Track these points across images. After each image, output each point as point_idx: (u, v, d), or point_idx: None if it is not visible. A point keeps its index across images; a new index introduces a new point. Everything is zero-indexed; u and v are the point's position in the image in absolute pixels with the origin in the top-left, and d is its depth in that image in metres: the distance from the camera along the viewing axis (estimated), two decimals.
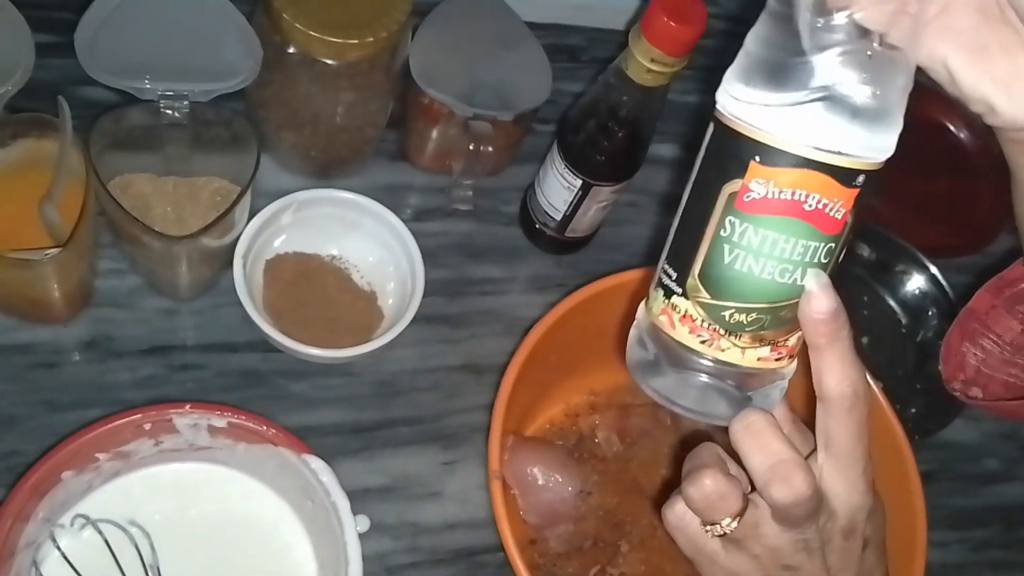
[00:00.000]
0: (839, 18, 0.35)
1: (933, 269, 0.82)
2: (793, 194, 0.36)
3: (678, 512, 0.43)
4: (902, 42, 0.35)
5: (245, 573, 0.57)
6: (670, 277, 0.39)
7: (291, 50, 0.61)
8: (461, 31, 0.71)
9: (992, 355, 0.69)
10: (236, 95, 0.62)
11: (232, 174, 0.65)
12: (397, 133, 0.75)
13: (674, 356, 0.39)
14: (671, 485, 0.65)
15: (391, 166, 0.76)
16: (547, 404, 0.68)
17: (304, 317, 0.66)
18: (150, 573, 0.54)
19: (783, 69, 0.35)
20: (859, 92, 0.35)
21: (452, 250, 0.74)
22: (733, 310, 0.37)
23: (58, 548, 0.54)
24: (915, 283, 0.83)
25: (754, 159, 0.36)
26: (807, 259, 0.37)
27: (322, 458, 0.57)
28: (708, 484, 0.40)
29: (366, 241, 0.69)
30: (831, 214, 0.36)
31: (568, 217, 0.71)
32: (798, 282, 0.37)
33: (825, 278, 0.37)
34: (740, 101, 0.37)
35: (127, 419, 0.53)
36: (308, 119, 0.66)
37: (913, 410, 0.77)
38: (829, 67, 0.35)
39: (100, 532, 0.54)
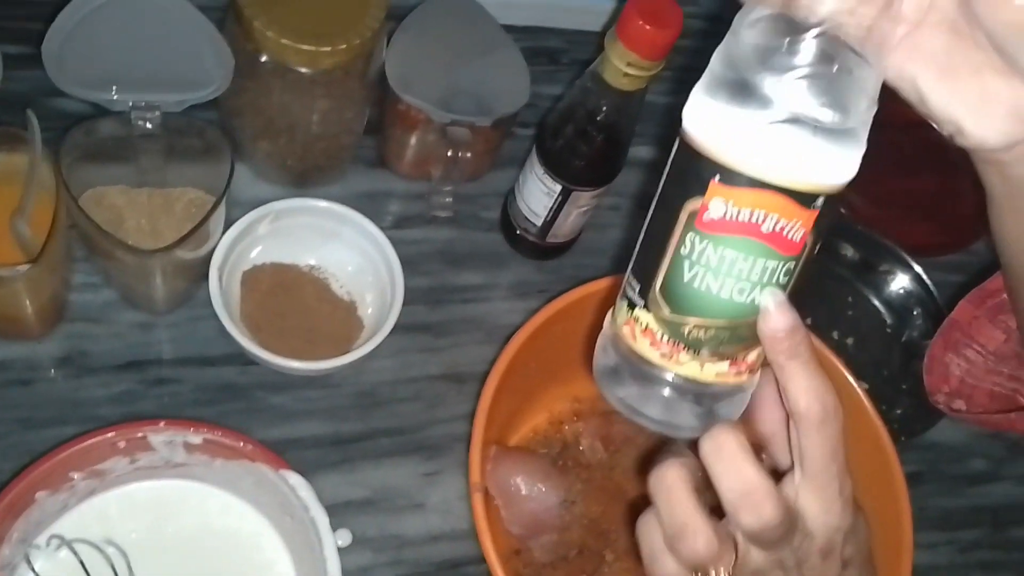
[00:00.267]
0: (807, 39, 0.34)
1: (917, 268, 0.82)
2: (751, 215, 0.35)
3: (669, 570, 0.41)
4: (871, 58, 0.35)
5: None
6: (633, 289, 0.39)
7: (263, 59, 0.60)
8: (437, 36, 0.70)
9: (976, 365, 0.69)
10: (210, 104, 0.61)
11: (207, 184, 0.64)
12: (375, 140, 0.74)
13: (636, 368, 0.39)
14: None
15: (370, 173, 0.75)
16: (531, 412, 0.68)
17: (283, 328, 0.65)
18: None
19: (744, 90, 0.35)
20: (821, 114, 0.35)
21: (433, 257, 0.74)
22: (692, 326, 0.37)
23: (32, 570, 0.53)
24: (899, 283, 0.82)
25: (714, 178, 0.35)
26: (765, 279, 0.36)
27: (302, 471, 0.56)
28: (701, 549, 0.38)
29: (345, 250, 0.68)
30: (790, 236, 0.36)
31: (549, 222, 0.70)
32: (756, 301, 0.37)
33: (782, 296, 0.37)
34: (702, 120, 0.36)
35: (100, 438, 0.52)
36: (283, 128, 0.66)
37: (899, 411, 0.77)
38: (790, 90, 0.34)
39: (75, 553, 0.53)
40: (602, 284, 0.63)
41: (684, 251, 0.36)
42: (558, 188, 0.67)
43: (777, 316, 0.37)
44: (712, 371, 0.38)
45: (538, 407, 0.68)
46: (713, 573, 0.39)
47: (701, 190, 0.36)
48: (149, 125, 0.59)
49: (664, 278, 0.37)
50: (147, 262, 0.59)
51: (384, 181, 0.75)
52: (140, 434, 0.53)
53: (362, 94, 0.66)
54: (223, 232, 0.63)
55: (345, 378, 0.67)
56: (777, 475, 0.40)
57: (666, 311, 0.37)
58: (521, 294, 0.74)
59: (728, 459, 0.38)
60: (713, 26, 0.93)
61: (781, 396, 0.39)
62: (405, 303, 0.65)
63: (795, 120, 0.34)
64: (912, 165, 0.93)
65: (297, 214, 0.66)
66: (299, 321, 0.66)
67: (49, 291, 0.60)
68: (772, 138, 0.35)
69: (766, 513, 0.37)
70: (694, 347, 0.37)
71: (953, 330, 0.70)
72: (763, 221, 0.35)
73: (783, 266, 0.36)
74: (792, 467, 0.40)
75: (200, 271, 0.63)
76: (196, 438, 0.54)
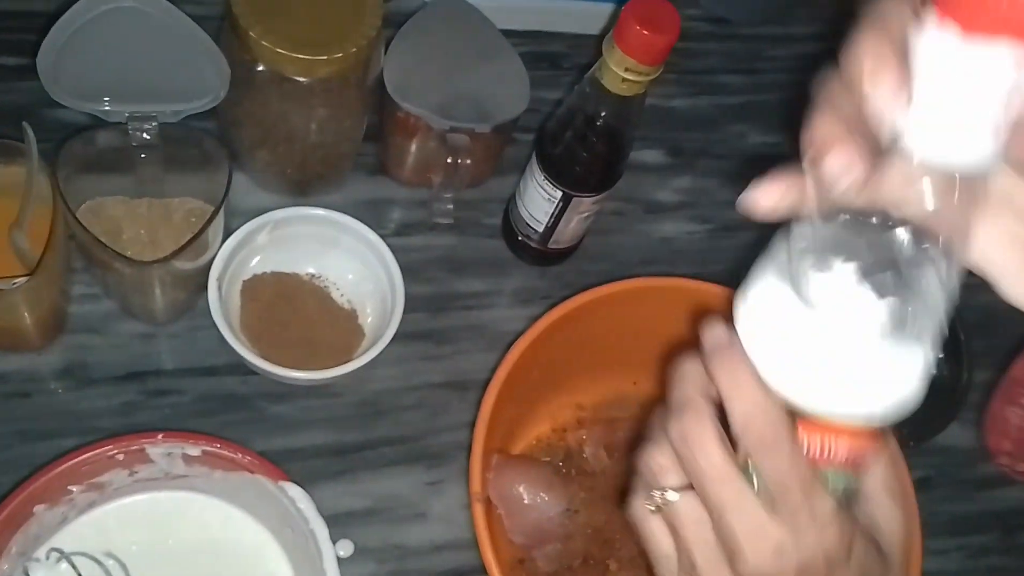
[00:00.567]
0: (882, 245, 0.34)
1: None
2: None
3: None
4: (951, 250, 0.34)
5: None
6: None
7: (260, 68, 0.60)
8: (436, 42, 0.69)
9: None
10: (208, 114, 0.61)
11: (206, 194, 0.64)
12: (376, 147, 0.74)
13: None
14: None
15: (371, 181, 0.75)
16: (534, 420, 0.67)
17: (283, 338, 0.65)
18: None
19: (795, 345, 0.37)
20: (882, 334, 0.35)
21: (434, 264, 0.73)
22: None
23: None
24: None
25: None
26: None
27: (304, 482, 0.56)
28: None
29: (345, 258, 0.68)
30: (853, 454, 0.38)
31: (550, 229, 0.70)
32: None
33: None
34: (758, 340, 0.39)
35: (98, 451, 0.52)
36: (282, 136, 0.65)
37: (907, 416, 0.76)
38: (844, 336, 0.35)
39: (74, 566, 0.53)
40: (604, 291, 0.62)
41: None
42: (559, 194, 0.66)
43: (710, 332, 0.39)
44: None
45: (541, 415, 0.67)
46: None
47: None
48: (146, 136, 0.59)
49: None
50: (145, 273, 0.59)
51: (385, 188, 0.75)
52: (138, 447, 0.53)
53: (360, 102, 0.66)
54: (222, 242, 0.63)
55: (346, 387, 0.66)
56: None
57: None
58: (524, 301, 0.74)
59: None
60: (718, 28, 0.93)
61: None
62: (407, 311, 0.65)
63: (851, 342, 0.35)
64: None
65: (296, 223, 0.66)
66: (300, 330, 0.66)
67: (48, 303, 0.60)
68: (830, 386, 0.36)
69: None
70: None
71: (1012, 387, 0.72)
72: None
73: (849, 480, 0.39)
74: None
75: (200, 281, 0.62)
76: (195, 450, 0.54)
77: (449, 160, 0.67)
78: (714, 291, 0.64)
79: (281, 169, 0.68)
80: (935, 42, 0.30)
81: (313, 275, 0.68)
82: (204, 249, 0.61)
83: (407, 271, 0.66)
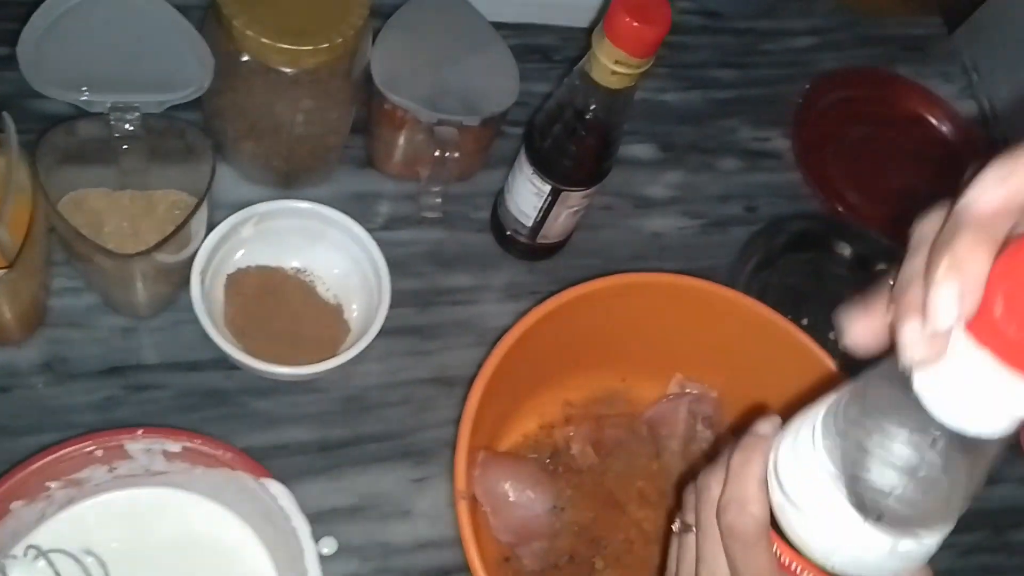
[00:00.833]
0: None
1: None
2: None
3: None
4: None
5: None
6: None
7: (245, 58, 0.59)
8: (424, 34, 0.69)
9: None
10: (193, 105, 0.60)
11: (190, 186, 0.63)
12: (363, 140, 0.73)
13: None
14: (646, 496, 0.64)
15: (358, 173, 0.74)
16: (521, 417, 0.66)
17: (268, 333, 0.64)
18: None
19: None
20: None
21: (422, 259, 0.72)
22: None
23: None
24: None
25: None
26: None
27: (287, 478, 0.55)
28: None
29: (331, 252, 0.67)
30: None
31: (539, 223, 0.69)
32: None
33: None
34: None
35: (75, 447, 0.51)
36: (267, 128, 0.64)
37: None
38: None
39: (51, 564, 0.52)
40: (592, 286, 0.61)
41: None
42: (547, 188, 0.65)
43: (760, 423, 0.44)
44: None
45: (529, 411, 0.67)
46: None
47: None
48: (129, 126, 0.58)
49: None
50: (127, 266, 0.58)
51: (373, 182, 0.74)
52: (117, 443, 0.52)
53: (347, 94, 0.65)
54: (206, 235, 0.62)
55: (332, 383, 0.66)
56: None
57: None
58: (512, 296, 0.73)
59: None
60: (712, 22, 0.92)
61: None
62: (394, 305, 0.64)
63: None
64: (910, 162, 0.91)
65: (281, 216, 0.65)
66: (285, 325, 0.65)
67: (28, 296, 0.59)
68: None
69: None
70: None
71: None
72: None
73: None
74: None
75: (183, 275, 0.61)
76: (175, 446, 0.53)
77: (437, 153, 0.66)
78: (704, 287, 0.63)
79: (267, 161, 0.67)
80: (969, 352, 0.32)
81: (298, 269, 0.67)
82: (187, 242, 0.60)
83: (394, 265, 0.66)
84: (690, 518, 0.46)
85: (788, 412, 0.65)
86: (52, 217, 0.56)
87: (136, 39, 0.57)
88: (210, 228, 0.62)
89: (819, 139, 0.88)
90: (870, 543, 0.38)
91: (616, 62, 0.56)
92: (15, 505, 0.51)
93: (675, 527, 0.48)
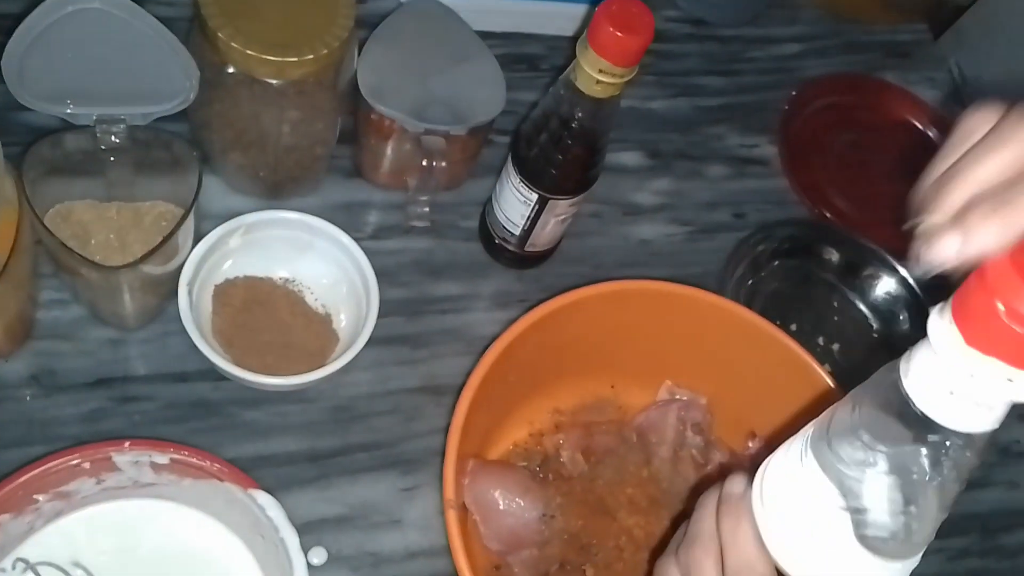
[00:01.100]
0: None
1: (903, 271, 0.81)
2: None
3: None
4: None
5: None
6: None
7: (230, 70, 0.59)
8: (411, 44, 0.69)
9: None
10: (179, 117, 0.60)
11: (177, 197, 0.63)
12: (351, 150, 0.73)
13: None
14: (636, 503, 0.64)
15: (346, 183, 0.74)
16: (511, 425, 0.66)
17: (256, 343, 0.64)
18: None
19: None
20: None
21: (411, 268, 0.72)
22: None
23: None
24: (885, 286, 0.81)
25: None
26: None
27: (276, 488, 0.55)
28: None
29: (319, 262, 0.67)
30: None
31: (527, 231, 0.69)
32: None
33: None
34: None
35: (62, 460, 0.51)
36: (254, 139, 0.65)
37: None
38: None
39: None
40: (583, 293, 0.62)
41: None
42: (534, 197, 0.65)
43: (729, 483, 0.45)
44: None
45: (518, 420, 0.67)
46: None
47: None
48: (115, 138, 0.58)
49: None
50: (114, 278, 0.58)
51: (361, 191, 0.74)
52: (104, 455, 0.52)
53: (333, 104, 0.65)
54: (193, 246, 0.62)
55: (321, 392, 0.66)
56: None
57: None
58: (501, 304, 0.73)
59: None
60: (696, 29, 0.93)
61: None
62: (383, 315, 0.64)
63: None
64: (897, 168, 0.92)
65: (269, 226, 0.65)
66: (273, 335, 0.65)
67: (15, 308, 0.59)
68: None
69: None
70: None
71: None
72: None
73: None
74: None
75: (170, 286, 0.61)
76: (163, 458, 0.53)
77: (424, 163, 0.66)
78: (693, 294, 0.64)
79: (254, 172, 0.68)
80: (945, 334, 0.34)
81: (287, 279, 0.67)
82: (174, 253, 0.60)
83: (383, 275, 0.66)
84: None
85: (775, 421, 0.65)
86: (39, 230, 0.56)
87: (121, 51, 0.57)
88: (197, 239, 0.62)
89: (806, 145, 0.88)
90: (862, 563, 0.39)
91: (600, 71, 0.56)
92: (3, 518, 0.51)
93: None
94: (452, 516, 0.53)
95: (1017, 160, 0.35)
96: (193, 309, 0.61)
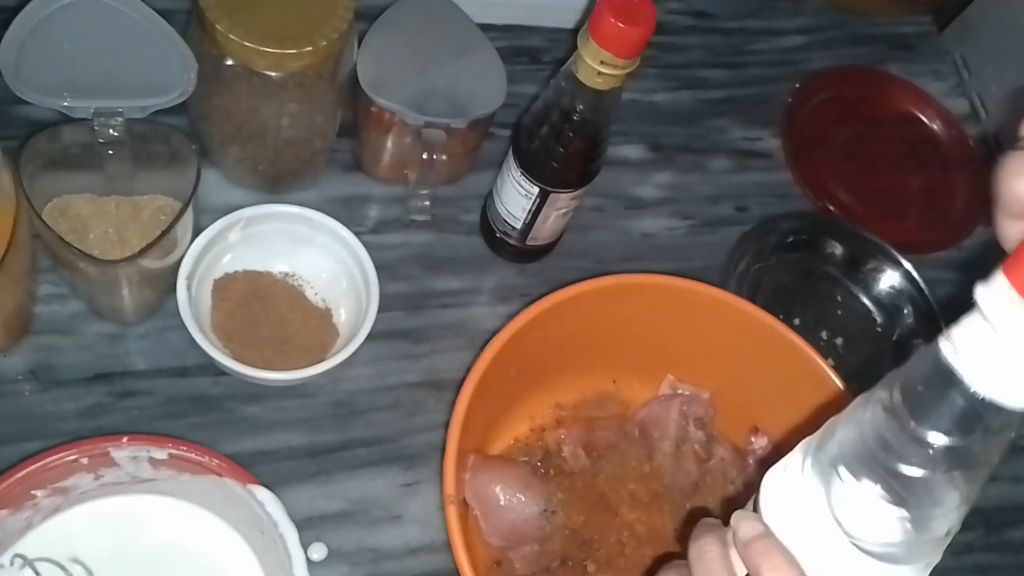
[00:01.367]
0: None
1: (907, 265, 0.80)
2: None
3: None
4: None
5: None
6: None
7: (229, 62, 0.59)
8: (411, 37, 0.68)
9: None
10: (178, 110, 0.60)
11: (176, 191, 0.62)
12: (351, 143, 0.73)
13: None
14: (638, 498, 0.63)
15: (346, 177, 0.74)
16: (512, 420, 0.66)
17: (256, 338, 0.64)
18: None
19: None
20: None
21: (411, 262, 0.72)
22: None
23: None
24: (889, 280, 0.81)
25: None
26: None
27: (277, 484, 0.55)
28: None
29: (319, 256, 0.66)
30: None
31: (528, 225, 0.69)
32: None
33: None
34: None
35: (60, 455, 0.51)
36: (253, 132, 0.64)
37: None
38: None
39: (37, 573, 0.52)
40: (584, 287, 0.61)
41: None
42: (535, 190, 0.65)
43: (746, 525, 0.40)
44: None
45: (520, 415, 0.66)
46: None
47: None
48: (113, 132, 0.58)
49: None
50: (112, 272, 0.57)
51: (361, 185, 0.74)
52: (102, 451, 0.51)
53: (333, 97, 0.64)
54: (192, 240, 0.61)
55: (321, 387, 0.65)
56: None
57: None
58: (502, 298, 0.73)
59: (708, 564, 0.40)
60: (699, 22, 0.92)
61: None
62: (383, 309, 0.64)
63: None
64: (901, 161, 0.91)
65: (269, 220, 0.65)
66: (272, 330, 0.64)
67: (13, 303, 0.58)
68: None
69: None
70: None
71: None
72: None
73: None
74: None
75: (170, 280, 0.61)
76: (161, 453, 0.53)
77: (425, 156, 0.66)
78: (695, 288, 0.63)
79: (253, 165, 0.67)
80: (1000, 293, 0.31)
81: (286, 273, 0.67)
82: (173, 247, 0.60)
83: (383, 269, 0.65)
84: None
85: (778, 416, 0.65)
86: (36, 224, 0.56)
87: (119, 44, 0.57)
88: (196, 233, 0.62)
89: (809, 138, 0.88)
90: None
91: (602, 63, 0.55)
92: (1, 514, 0.51)
93: None
94: (452, 511, 0.53)
95: None
96: (192, 303, 0.60)
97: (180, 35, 0.58)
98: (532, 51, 0.84)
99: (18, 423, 0.59)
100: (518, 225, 0.69)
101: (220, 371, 0.62)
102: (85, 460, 0.52)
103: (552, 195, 0.65)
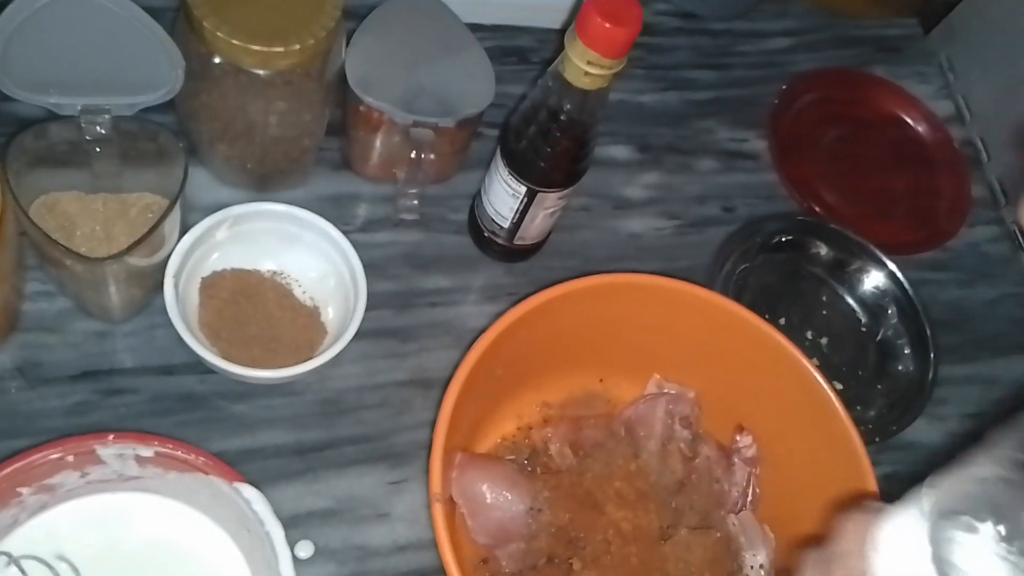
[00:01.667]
0: None
1: (891, 265, 0.81)
2: None
3: None
4: None
5: None
6: None
7: (216, 60, 0.58)
8: (399, 36, 0.68)
9: None
10: (166, 107, 0.60)
11: (164, 189, 0.62)
12: (339, 142, 0.73)
13: None
14: (624, 497, 0.64)
15: (335, 176, 0.74)
16: (499, 419, 0.66)
17: (244, 336, 0.64)
18: None
19: None
20: None
21: (399, 261, 0.72)
22: None
23: None
24: (873, 280, 0.81)
25: None
26: None
27: (264, 482, 0.55)
28: None
29: (307, 255, 0.66)
30: None
31: (516, 225, 0.69)
32: None
33: None
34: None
35: (45, 453, 0.50)
36: (241, 130, 0.64)
37: (873, 412, 0.76)
38: None
39: (23, 571, 0.52)
40: (571, 286, 0.61)
41: None
42: (523, 190, 0.65)
43: None
44: None
45: (507, 413, 0.66)
46: None
47: None
48: (100, 129, 0.58)
49: None
50: (99, 270, 0.57)
51: (349, 184, 0.74)
52: (87, 448, 0.51)
53: (321, 96, 0.64)
54: (180, 237, 0.61)
55: (308, 385, 0.65)
56: None
57: None
58: (490, 297, 0.73)
59: None
60: (687, 23, 0.92)
61: None
62: (371, 308, 0.64)
63: None
64: (887, 162, 0.92)
65: (256, 218, 0.65)
66: (260, 328, 0.64)
67: (0, 300, 0.58)
68: None
69: None
70: None
71: None
72: None
73: None
74: None
75: (157, 278, 0.61)
76: (147, 451, 0.52)
77: (413, 155, 0.66)
78: (682, 288, 0.63)
79: (241, 163, 0.67)
80: None
81: (274, 272, 0.67)
82: (160, 245, 0.60)
83: (371, 267, 0.65)
84: None
85: (763, 415, 0.65)
86: (23, 221, 0.56)
87: (106, 41, 0.57)
88: (184, 231, 0.62)
89: (796, 140, 0.88)
90: None
91: (588, 63, 0.56)
92: None
93: None
94: (438, 509, 0.53)
95: None
96: (180, 301, 0.60)
97: (168, 32, 0.58)
98: (520, 51, 0.84)
99: (4, 420, 0.59)
100: (506, 224, 0.69)
101: (207, 369, 0.62)
102: (71, 458, 0.52)
103: (540, 194, 0.66)
